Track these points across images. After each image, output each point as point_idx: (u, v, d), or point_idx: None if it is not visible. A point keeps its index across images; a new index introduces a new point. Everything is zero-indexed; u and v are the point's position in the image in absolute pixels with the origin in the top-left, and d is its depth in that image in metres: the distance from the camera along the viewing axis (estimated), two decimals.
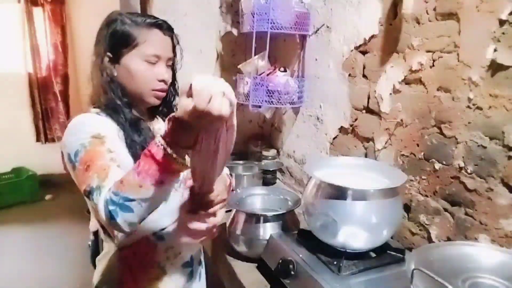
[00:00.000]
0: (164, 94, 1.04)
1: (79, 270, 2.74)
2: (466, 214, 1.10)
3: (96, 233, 1.43)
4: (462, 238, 1.11)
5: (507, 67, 0.97)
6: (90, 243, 1.38)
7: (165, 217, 1.01)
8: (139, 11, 2.04)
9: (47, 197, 4.22)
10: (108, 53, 0.98)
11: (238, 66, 1.88)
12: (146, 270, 1.01)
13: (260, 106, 1.78)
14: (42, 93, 4.33)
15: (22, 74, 4.24)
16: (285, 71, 1.82)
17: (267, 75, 1.78)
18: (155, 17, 1.01)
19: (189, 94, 0.67)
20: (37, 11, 4.15)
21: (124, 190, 0.76)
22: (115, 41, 0.97)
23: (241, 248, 1.32)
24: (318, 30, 1.72)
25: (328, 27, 1.65)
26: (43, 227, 3.56)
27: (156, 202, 0.80)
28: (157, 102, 1.04)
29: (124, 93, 1.00)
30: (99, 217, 0.80)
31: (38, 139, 4.43)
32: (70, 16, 4.34)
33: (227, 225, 1.37)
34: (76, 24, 4.38)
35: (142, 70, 0.98)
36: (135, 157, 0.93)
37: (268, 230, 1.28)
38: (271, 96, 1.74)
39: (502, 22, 0.97)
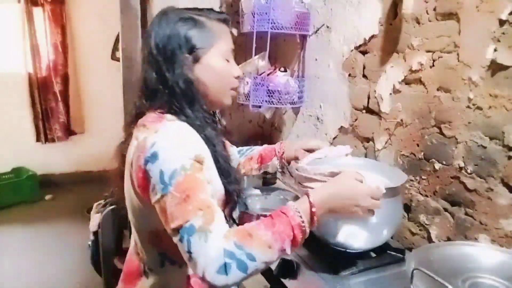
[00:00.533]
0: (236, 93, 0.99)
1: (79, 270, 2.74)
2: (466, 214, 1.10)
3: (96, 233, 1.43)
4: (462, 238, 1.11)
5: (507, 67, 0.97)
6: (90, 243, 1.37)
7: None
8: (139, 11, 2.04)
9: (47, 197, 4.22)
10: (185, 55, 0.89)
11: (238, 66, 1.88)
12: None
13: (260, 106, 1.78)
14: (42, 93, 4.33)
15: (22, 74, 4.23)
16: (285, 71, 1.82)
17: (268, 75, 1.78)
18: (221, 12, 0.96)
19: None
20: (37, 11, 4.14)
21: (251, 247, 0.71)
22: (193, 40, 0.89)
23: None
24: (318, 30, 1.72)
25: (328, 27, 1.65)
26: (43, 227, 3.56)
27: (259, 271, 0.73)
28: (230, 103, 0.99)
29: (204, 95, 0.91)
30: (195, 263, 0.70)
31: (38, 139, 4.42)
32: (70, 16, 4.34)
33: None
34: (76, 24, 4.37)
35: (225, 68, 0.93)
36: (220, 169, 0.89)
37: None
38: (271, 96, 1.74)
39: (502, 22, 0.97)
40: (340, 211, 0.83)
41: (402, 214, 1.24)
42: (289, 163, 1.20)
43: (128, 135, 0.92)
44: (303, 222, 0.75)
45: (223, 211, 0.84)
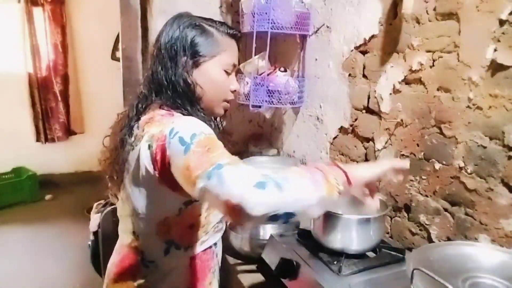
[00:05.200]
0: (229, 105, 1.04)
1: (79, 270, 2.74)
2: (466, 214, 1.10)
3: (96, 233, 1.43)
4: (462, 238, 1.11)
5: (507, 67, 0.97)
6: (90, 243, 1.38)
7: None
8: (139, 11, 2.04)
9: (47, 197, 4.22)
10: (187, 58, 0.95)
11: (238, 66, 1.88)
12: (206, 276, 1.04)
13: (260, 106, 1.78)
14: (42, 93, 4.33)
15: (22, 74, 4.24)
16: (285, 71, 1.82)
17: (268, 75, 1.78)
18: (233, 27, 1.03)
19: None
20: (37, 11, 4.14)
21: (289, 176, 0.73)
22: (201, 46, 0.96)
23: (241, 248, 1.32)
24: (318, 30, 1.72)
25: (328, 27, 1.65)
26: (43, 227, 3.56)
27: (296, 208, 0.73)
28: (222, 113, 1.05)
29: (199, 97, 0.97)
30: (229, 187, 0.69)
31: (38, 139, 4.43)
32: (70, 16, 4.34)
33: (227, 225, 1.37)
34: (76, 24, 4.38)
35: (222, 79, 0.99)
36: None
37: (268, 230, 1.28)
38: (272, 96, 1.74)
39: (502, 22, 0.97)
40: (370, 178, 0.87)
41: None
42: None
43: (130, 127, 0.94)
44: (337, 182, 0.77)
45: None
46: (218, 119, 1.08)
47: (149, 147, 0.86)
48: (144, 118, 0.93)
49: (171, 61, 0.94)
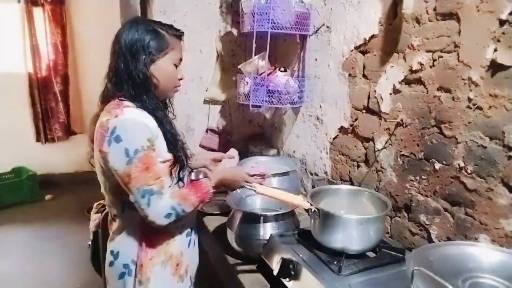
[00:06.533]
0: (178, 89, 1.30)
1: (79, 270, 2.75)
2: (466, 214, 1.10)
3: (96, 233, 1.44)
4: (462, 238, 1.11)
5: (507, 67, 0.97)
6: (90, 243, 1.39)
7: None
8: (139, 11, 2.04)
9: (47, 197, 4.22)
10: (145, 56, 1.16)
11: (238, 66, 1.88)
12: (160, 237, 1.23)
13: (260, 106, 1.78)
14: (42, 93, 4.33)
15: (22, 74, 4.24)
16: (285, 71, 1.82)
17: (268, 75, 1.78)
18: (176, 28, 1.25)
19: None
20: (37, 11, 4.14)
21: (185, 205, 1.14)
22: (156, 47, 1.18)
23: (241, 248, 1.32)
24: (318, 30, 1.72)
25: (328, 27, 1.66)
26: (43, 227, 3.56)
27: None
28: (173, 96, 1.32)
29: (154, 86, 1.20)
30: (149, 211, 1.09)
31: (38, 139, 4.43)
32: (70, 16, 4.34)
33: (227, 225, 1.37)
34: (76, 24, 4.38)
35: (173, 71, 1.23)
36: (168, 141, 1.19)
37: (268, 230, 1.28)
38: (272, 96, 1.74)
39: (502, 22, 0.97)
40: (229, 185, 1.31)
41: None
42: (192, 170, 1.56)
43: (96, 116, 1.19)
44: (209, 192, 1.21)
45: (171, 171, 1.20)
46: (168, 102, 1.34)
47: (98, 130, 1.13)
48: (105, 107, 1.17)
49: (132, 58, 1.15)
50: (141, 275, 1.20)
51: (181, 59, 1.25)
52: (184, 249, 1.28)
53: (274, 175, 1.61)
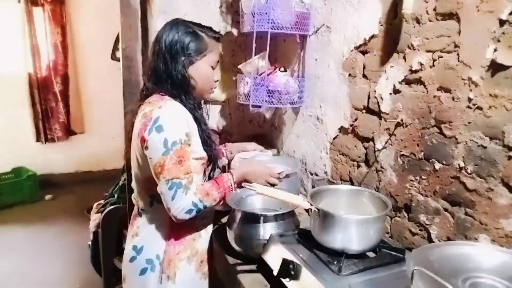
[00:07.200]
0: (214, 91, 1.35)
1: (79, 270, 2.74)
2: (466, 214, 1.10)
3: (96, 233, 1.44)
4: (462, 238, 1.11)
5: (507, 67, 0.97)
6: (90, 243, 1.39)
7: None
8: (139, 11, 2.04)
9: (47, 197, 4.22)
10: (185, 58, 1.21)
11: (238, 66, 1.88)
12: (187, 232, 1.27)
13: (260, 106, 1.78)
14: (42, 93, 4.33)
15: (22, 74, 4.24)
16: (285, 71, 1.82)
17: (268, 75, 1.78)
18: (215, 31, 1.29)
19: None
20: (37, 11, 4.15)
21: (207, 201, 1.17)
22: (195, 49, 1.22)
23: (241, 248, 1.32)
24: (318, 30, 1.72)
25: (328, 27, 1.65)
26: (43, 227, 3.56)
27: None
28: (209, 98, 1.37)
29: (192, 87, 1.24)
30: (172, 204, 1.12)
31: (38, 139, 4.43)
32: (70, 16, 4.34)
33: (227, 225, 1.37)
34: (76, 24, 4.38)
35: (210, 73, 1.28)
36: (203, 140, 1.25)
37: (268, 230, 1.28)
38: (272, 96, 1.74)
39: (502, 22, 0.97)
40: (252, 180, 1.28)
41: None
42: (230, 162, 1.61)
43: (136, 110, 1.23)
44: (231, 187, 1.24)
45: (205, 170, 1.28)
46: (206, 106, 1.39)
47: (140, 121, 1.16)
48: (146, 101, 1.21)
49: (171, 59, 1.19)
50: (169, 270, 1.21)
51: (218, 62, 1.30)
52: (208, 246, 1.33)
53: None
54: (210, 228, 1.35)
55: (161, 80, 1.21)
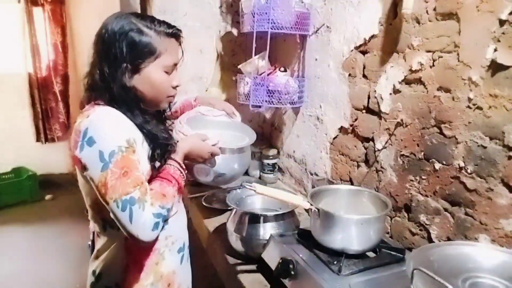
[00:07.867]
0: (174, 98, 1.11)
1: (79, 270, 2.74)
2: (466, 214, 1.10)
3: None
4: (462, 238, 1.11)
5: (507, 67, 0.97)
6: (90, 243, 1.39)
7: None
8: (139, 11, 2.04)
9: (47, 197, 4.22)
10: (127, 64, 0.97)
11: (238, 66, 1.88)
12: (148, 257, 1.07)
13: (260, 106, 1.78)
14: (42, 93, 4.33)
15: (22, 74, 4.24)
16: (285, 71, 1.82)
17: (268, 75, 1.78)
18: (171, 25, 1.02)
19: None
20: (37, 11, 4.15)
21: (167, 202, 0.97)
22: (137, 52, 0.96)
23: (241, 248, 1.32)
24: (318, 30, 1.72)
25: (328, 27, 1.65)
26: (43, 227, 3.57)
27: None
28: (167, 107, 1.14)
29: (140, 99, 1.02)
30: (133, 227, 0.90)
31: (38, 139, 4.43)
32: (70, 16, 4.34)
33: (227, 225, 1.37)
34: (76, 24, 4.38)
35: (163, 80, 1.02)
36: (153, 156, 1.03)
37: (268, 230, 1.28)
38: (272, 96, 1.74)
39: (502, 22, 0.97)
40: (196, 158, 1.18)
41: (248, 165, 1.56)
42: None
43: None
44: (181, 174, 1.06)
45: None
46: (163, 111, 1.17)
47: (72, 138, 0.95)
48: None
49: (109, 65, 0.95)
50: None
51: (175, 64, 1.04)
52: (176, 267, 1.13)
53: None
54: (177, 246, 1.13)
55: (99, 89, 0.98)
